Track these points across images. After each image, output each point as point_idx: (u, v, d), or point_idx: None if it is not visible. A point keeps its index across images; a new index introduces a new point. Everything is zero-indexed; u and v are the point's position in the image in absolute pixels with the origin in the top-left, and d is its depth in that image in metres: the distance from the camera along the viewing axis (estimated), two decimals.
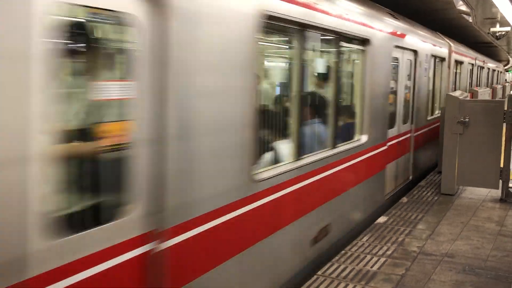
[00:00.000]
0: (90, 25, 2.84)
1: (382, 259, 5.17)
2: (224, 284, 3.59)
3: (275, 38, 5.22)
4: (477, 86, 17.40)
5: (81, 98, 2.97)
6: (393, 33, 7.08)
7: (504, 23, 13.20)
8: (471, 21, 12.39)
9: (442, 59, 10.95)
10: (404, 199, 7.64)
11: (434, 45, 9.95)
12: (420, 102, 9.00)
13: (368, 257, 5.24)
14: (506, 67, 37.67)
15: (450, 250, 5.46)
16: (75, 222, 2.65)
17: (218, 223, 3.42)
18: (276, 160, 4.55)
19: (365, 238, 5.82)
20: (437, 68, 10.57)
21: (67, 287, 2.36)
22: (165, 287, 2.96)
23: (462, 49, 13.84)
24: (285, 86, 5.24)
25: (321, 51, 5.67)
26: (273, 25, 4.10)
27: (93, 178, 2.90)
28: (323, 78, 5.74)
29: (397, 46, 7.26)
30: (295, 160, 4.59)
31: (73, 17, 2.62)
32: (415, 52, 8.34)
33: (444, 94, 9.85)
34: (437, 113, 10.59)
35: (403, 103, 8.13)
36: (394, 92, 7.66)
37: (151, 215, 2.84)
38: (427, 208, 7.17)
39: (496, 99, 17.66)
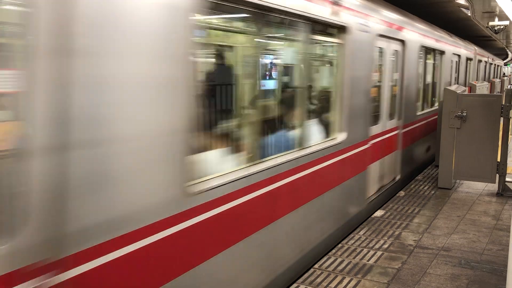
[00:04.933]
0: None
1: (379, 253, 5.20)
2: None
3: None
4: (490, 77, 24.36)
5: None
6: (454, 46, 12.54)
7: (502, 17, 13.16)
8: (469, 14, 12.37)
9: (470, 59, 15.82)
10: (402, 193, 7.66)
11: (467, 50, 14.88)
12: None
13: (365, 250, 5.26)
14: (505, 61, 37.71)
15: (446, 243, 5.49)
16: None
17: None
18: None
19: (361, 232, 5.84)
20: (467, 65, 15.38)
21: None
22: None
23: (481, 51, 19.57)
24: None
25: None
26: None
27: None
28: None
29: (454, 54, 12.54)
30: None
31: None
32: (458, 56, 13.32)
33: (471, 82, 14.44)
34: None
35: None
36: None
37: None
38: (424, 202, 7.19)
39: (494, 93, 17.86)
